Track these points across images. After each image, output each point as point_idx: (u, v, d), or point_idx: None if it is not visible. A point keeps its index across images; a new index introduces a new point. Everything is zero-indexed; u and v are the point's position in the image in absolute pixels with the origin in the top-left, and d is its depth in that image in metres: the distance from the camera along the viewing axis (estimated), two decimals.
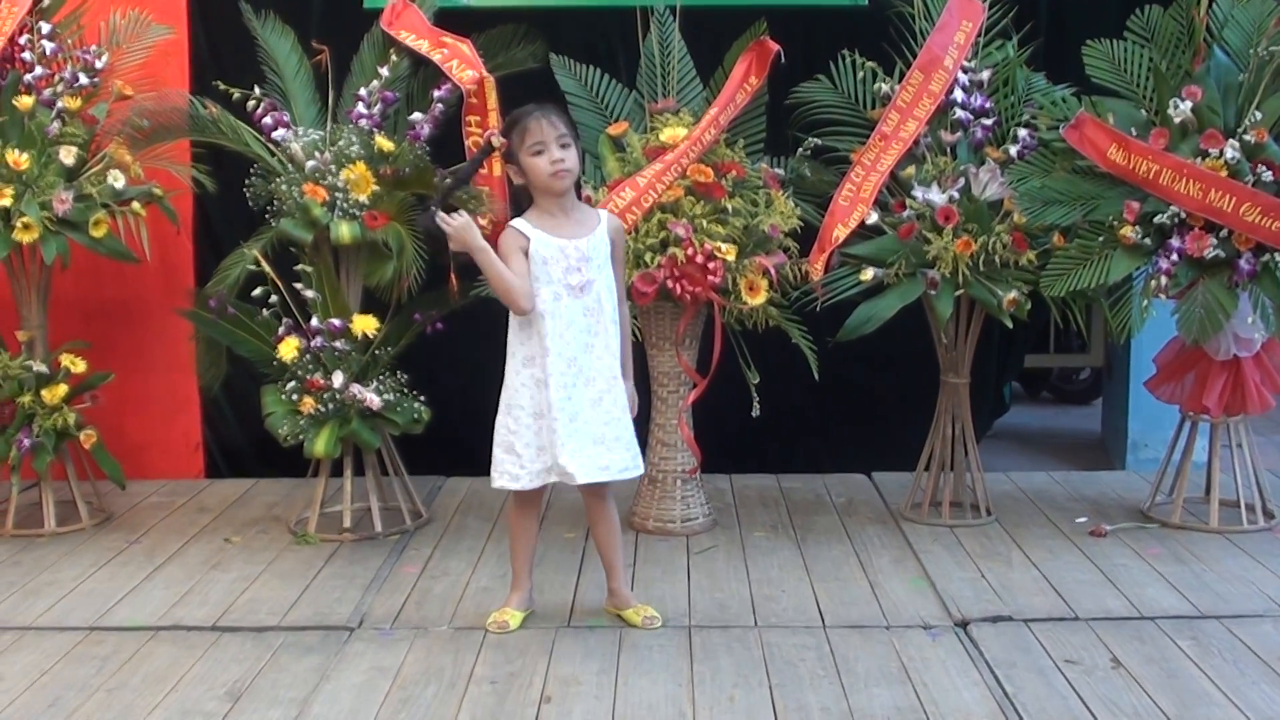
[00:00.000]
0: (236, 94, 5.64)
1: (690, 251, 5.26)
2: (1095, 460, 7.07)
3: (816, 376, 5.46)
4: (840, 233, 5.46)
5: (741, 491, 6.31)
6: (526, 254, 4.47)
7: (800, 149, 5.69)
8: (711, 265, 5.25)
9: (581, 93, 5.74)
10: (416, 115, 5.63)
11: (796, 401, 5.99)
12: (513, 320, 4.53)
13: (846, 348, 5.48)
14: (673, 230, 5.28)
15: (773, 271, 5.38)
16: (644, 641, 4.53)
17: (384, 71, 5.65)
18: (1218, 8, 5.46)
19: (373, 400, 5.42)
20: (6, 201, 5.42)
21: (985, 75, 5.66)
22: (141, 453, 6.51)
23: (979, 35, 5.70)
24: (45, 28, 5.73)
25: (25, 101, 5.55)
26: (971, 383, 5.83)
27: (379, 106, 5.60)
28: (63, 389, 5.67)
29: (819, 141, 5.68)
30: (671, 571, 5.23)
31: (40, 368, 5.69)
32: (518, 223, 4.52)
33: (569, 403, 4.48)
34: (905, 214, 5.49)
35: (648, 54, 5.78)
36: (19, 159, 5.46)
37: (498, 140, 4.53)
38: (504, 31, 5.82)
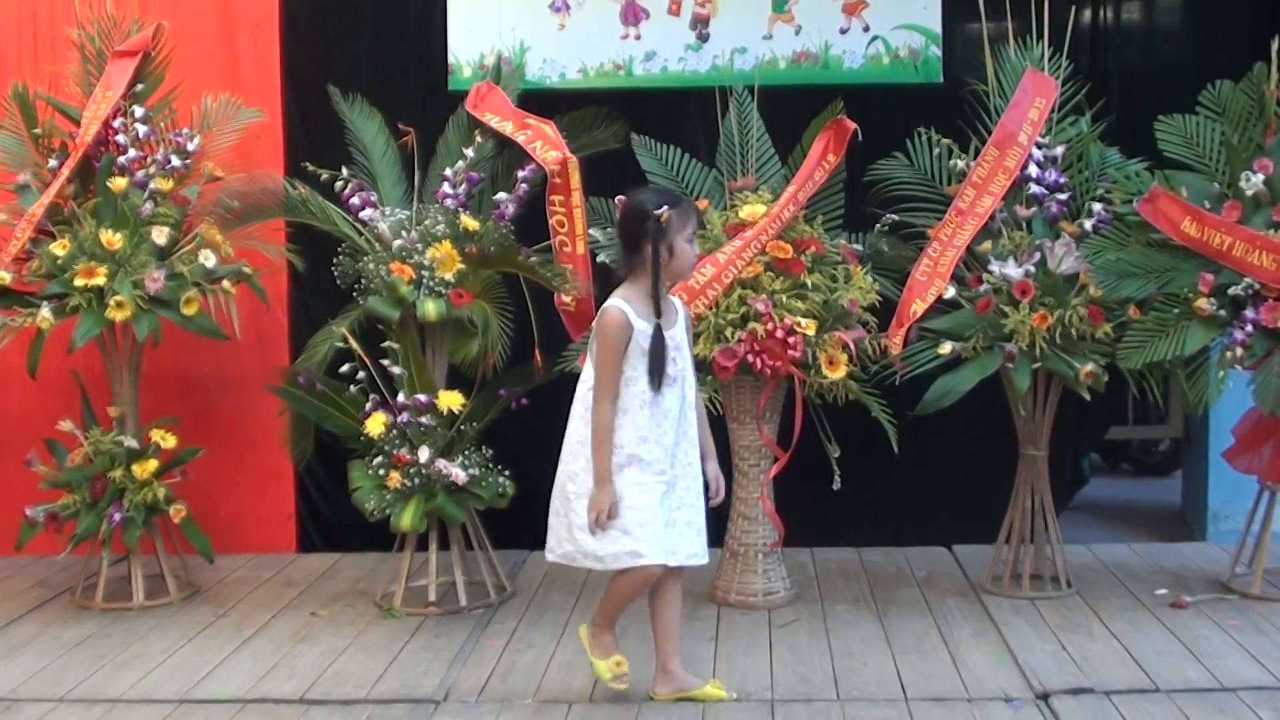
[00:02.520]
0: (325, 175, 5.78)
1: (770, 326, 5.33)
2: (1176, 532, 7.04)
3: (896, 450, 5.50)
4: (918, 307, 5.51)
5: (823, 565, 6.33)
6: (628, 344, 4.50)
7: (878, 225, 5.75)
8: (791, 340, 5.31)
9: (662, 171, 5.84)
10: (501, 195, 5.75)
11: (877, 474, 6.02)
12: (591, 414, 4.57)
13: (926, 420, 5.53)
14: (753, 305, 5.36)
15: (852, 346, 5.44)
16: (727, 716, 4.56)
17: (469, 152, 5.78)
18: None
19: (458, 475, 5.50)
20: (100, 280, 5.55)
21: (1059, 151, 5.71)
22: (236, 523, 6.61)
23: (1053, 111, 5.77)
24: (139, 111, 5.90)
25: (119, 183, 5.71)
26: (1050, 455, 5.84)
27: (464, 186, 5.73)
28: (153, 464, 5.77)
29: (896, 217, 5.75)
30: (754, 645, 5.26)
31: (131, 443, 5.80)
32: (625, 308, 4.50)
33: (672, 491, 4.55)
34: (982, 288, 5.54)
35: (727, 133, 5.88)
36: (113, 239, 5.61)
37: (666, 215, 4.49)
38: (586, 113, 5.98)
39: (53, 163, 5.87)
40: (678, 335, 4.57)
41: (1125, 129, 6.05)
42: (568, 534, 4.57)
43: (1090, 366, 5.40)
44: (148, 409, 6.04)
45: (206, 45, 6.49)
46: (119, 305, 5.54)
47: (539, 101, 6.10)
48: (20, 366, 5.69)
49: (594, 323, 4.58)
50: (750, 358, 5.35)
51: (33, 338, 5.60)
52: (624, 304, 4.51)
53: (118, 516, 5.69)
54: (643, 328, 4.48)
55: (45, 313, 5.52)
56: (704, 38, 6.43)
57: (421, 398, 5.56)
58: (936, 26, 6.40)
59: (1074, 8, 6.12)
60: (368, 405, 5.64)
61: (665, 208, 4.48)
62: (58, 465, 5.85)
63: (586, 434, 4.52)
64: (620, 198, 5.00)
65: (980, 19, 5.94)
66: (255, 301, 6.06)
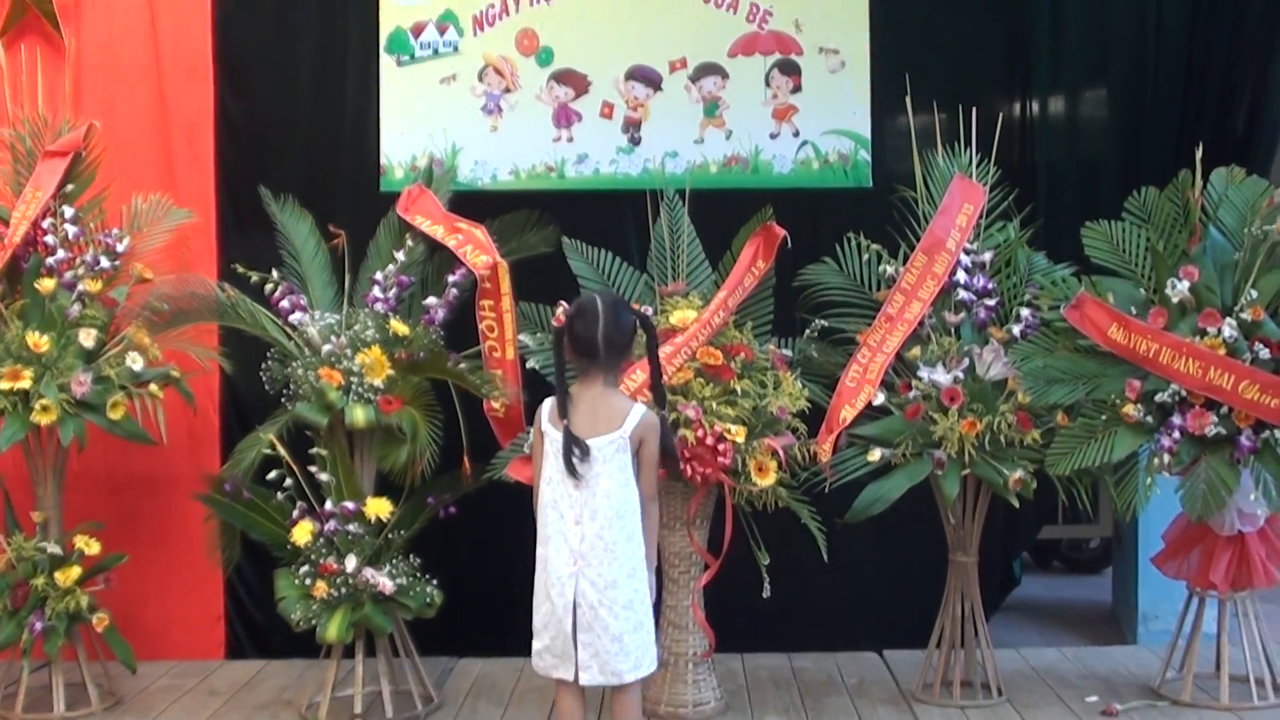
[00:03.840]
0: (255, 277, 5.77)
1: (700, 433, 5.32)
2: (1106, 632, 7.04)
3: (825, 557, 5.47)
4: (848, 413, 5.53)
5: (754, 672, 6.26)
6: None
7: (807, 330, 5.77)
8: (721, 447, 5.31)
9: (593, 275, 5.84)
10: (431, 299, 5.74)
11: (807, 580, 5.99)
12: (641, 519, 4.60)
13: (856, 526, 5.51)
14: (683, 412, 5.35)
15: (781, 453, 5.43)
16: None
17: (400, 256, 5.77)
18: (1212, 188, 5.58)
19: (385, 585, 5.42)
20: (26, 383, 5.48)
21: (987, 256, 5.77)
22: (163, 626, 6.48)
23: (980, 217, 5.82)
24: (68, 211, 5.85)
25: (47, 284, 5.65)
26: (981, 559, 5.84)
27: (394, 290, 5.72)
28: (76, 571, 5.66)
29: (826, 323, 5.78)
30: None
31: (54, 549, 5.69)
32: None
33: None
34: (911, 394, 5.57)
35: (658, 237, 5.90)
36: (39, 341, 5.54)
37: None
38: (517, 217, 5.97)
39: None
40: None
41: (1052, 234, 6.12)
42: (618, 647, 4.48)
43: (1019, 474, 5.42)
44: (75, 509, 5.95)
45: (141, 145, 6.48)
46: (44, 409, 5.47)
47: (471, 203, 6.11)
48: None
49: (630, 431, 4.52)
50: (681, 464, 5.34)
51: None
52: None
53: (39, 625, 5.57)
54: None
55: None
56: (636, 141, 6.48)
57: (349, 505, 5.50)
58: (866, 132, 6.47)
59: (1000, 116, 6.22)
60: (295, 513, 5.58)
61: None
62: None
63: (633, 542, 4.53)
64: (565, 305, 5.01)
65: (909, 125, 6.00)
66: (186, 402, 5.99)
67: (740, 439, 5.34)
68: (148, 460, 6.39)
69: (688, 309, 5.61)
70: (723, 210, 6.08)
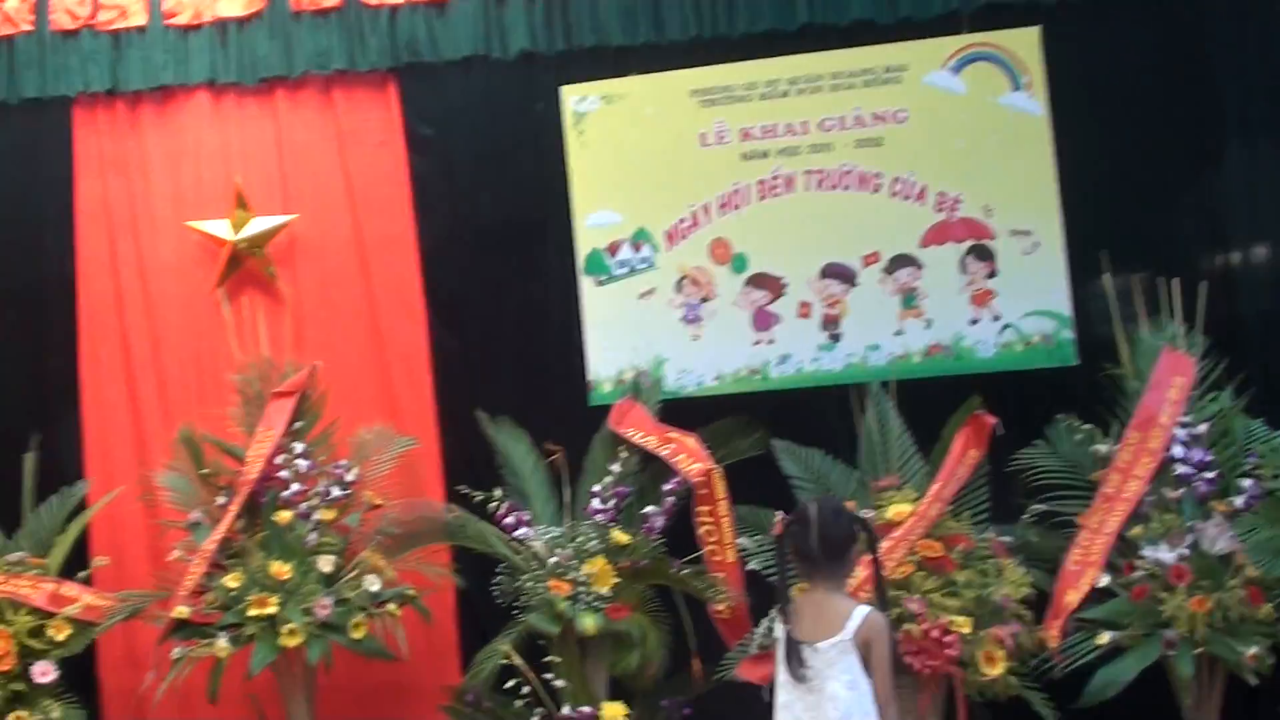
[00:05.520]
0: (479, 497, 5.99)
1: (925, 626, 5.34)
2: None
3: None
4: (1073, 598, 5.48)
5: None
6: None
7: (1025, 516, 5.78)
8: (948, 639, 5.31)
9: (805, 475, 5.94)
10: (650, 508, 5.92)
11: None
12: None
13: (1089, 711, 5.41)
14: (907, 606, 5.38)
15: (1009, 641, 5.41)
16: None
17: (615, 468, 5.99)
18: None
19: None
20: (272, 609, 5.77)
21: (1203, 428, 5.71)
22: None
23: (1192, 388, 5.79)
24: (299, 447, 6.18)
25: (284, 516, 5.99)
26: None
27: (614, 501, 5.91)
28: None
29: (1043, 507, 5.76)
30: None
31: None
32: None
33: None
34: (1136, 574, 5.51)
35: (867, 432, 5.98)
36: (282, 569, 5.85)
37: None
38: (726, 424, 6.16)
39: (221, 499, 6.13)
40: None
41: (1269, 399, 5.98)
42: None
43: (1255, 649, 5.30)
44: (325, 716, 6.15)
45: (362, 379, 6.76)
46: (291, 633, 5.75)
47: (678, 410, 6.28)
48: (203, 687, 5.80)
49: (852, 634, 4.52)
50: (908, 659, 5.34)
51: (211, 665, 5.77)
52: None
53: None
54: None
55: (223, 643, 5.74)
56: (836, 337, 6.52)
57: (585, 710, 5.66)
58: (1066, 310, 6.37)
59: (1202, 272, 6.25)
60: (534, 719, 5.73)
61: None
62: None
63: None
64: (783, 515, 5.09)
65: (1110, 299, 6.07)
66: (423, 619, 6.17)
67: (966, 630, 5.34)
68: (392, 672, 6.50)
69: (903, 503, 5.67)
70: (929, 399, 6.13)
